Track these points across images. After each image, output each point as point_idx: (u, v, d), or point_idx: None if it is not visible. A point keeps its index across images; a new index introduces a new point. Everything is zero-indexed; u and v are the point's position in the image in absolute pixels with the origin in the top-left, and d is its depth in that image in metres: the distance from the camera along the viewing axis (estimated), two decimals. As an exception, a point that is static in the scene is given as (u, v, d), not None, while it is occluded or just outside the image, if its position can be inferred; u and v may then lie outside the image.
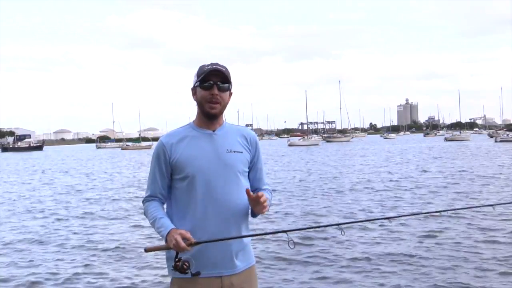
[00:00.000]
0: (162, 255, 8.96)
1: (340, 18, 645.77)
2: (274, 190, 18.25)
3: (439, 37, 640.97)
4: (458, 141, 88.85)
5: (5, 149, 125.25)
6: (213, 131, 3.05)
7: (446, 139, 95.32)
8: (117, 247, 10.34)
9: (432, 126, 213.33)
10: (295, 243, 3.00)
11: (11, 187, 26.35)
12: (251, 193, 2.89)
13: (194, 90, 3.07)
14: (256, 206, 2.92)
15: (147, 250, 2.92)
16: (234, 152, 3.04)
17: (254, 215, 3.06)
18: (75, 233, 12.24)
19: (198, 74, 3.02)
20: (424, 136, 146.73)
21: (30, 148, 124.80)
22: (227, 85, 3.02)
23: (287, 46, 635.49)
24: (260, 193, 2.89)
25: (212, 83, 2.97)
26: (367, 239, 10.18)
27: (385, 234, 10.54)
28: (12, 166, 49.80)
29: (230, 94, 3.09)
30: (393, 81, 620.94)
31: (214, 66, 2.99)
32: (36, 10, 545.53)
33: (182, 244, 2.78)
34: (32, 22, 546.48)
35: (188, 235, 2.82)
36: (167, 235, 2.86)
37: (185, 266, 2.80)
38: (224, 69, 3.00)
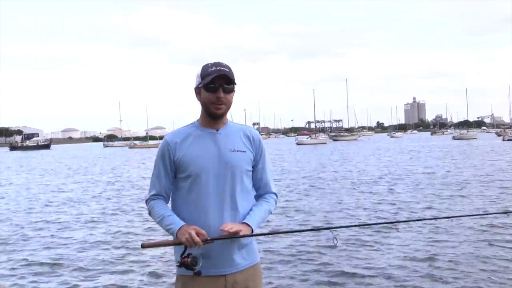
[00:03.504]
0: (163, 253, 9.05)
1: (344, 17, 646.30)
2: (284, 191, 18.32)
3: (445, 35, 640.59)
4: (465, 139, 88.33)
5: (13, 147, 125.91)
6: (217, 130, 3.05)
7: (454, 138, 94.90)
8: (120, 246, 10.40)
9: (439, 125, 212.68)
10: (337, 240, 3.03)
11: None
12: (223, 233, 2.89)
13: (197, 90, 3.05)
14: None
15: (144, 246, 2.89)
16: (238, 151, 3.03)
17: None
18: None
19: (202, 76, 2.99)
20: (432, 134, 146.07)
21: (38, 147, 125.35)
22: (232, 86, 3.00)
23: (291, 45, 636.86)
24: (223, 227, 2.87)
25: (218, 86, 2.95)
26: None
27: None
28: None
29: (233, 92, 3.07)
30: (399, 79, 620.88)
31: (218, 68, 2.96)
32: (40, 9, 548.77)
33: (197, 238, 2.78)
34: (35, 21, 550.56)
35: (203, 231, 2.83)
36: (178, 230, 2.87)
37: (194, 262, 2.79)
38: (228, 70, 2.98)
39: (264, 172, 3.18)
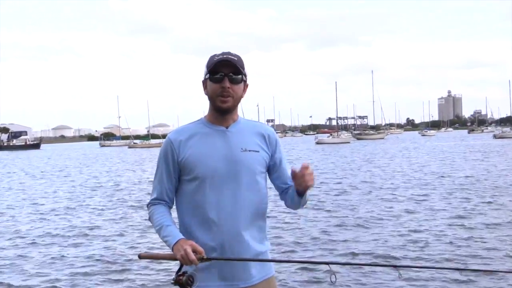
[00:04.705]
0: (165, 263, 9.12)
1: (369, 0, 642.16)
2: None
3: (484, 20, 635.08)
4: (508, 138, 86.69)
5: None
6: (226, 127, 3.06)
7: (495, 136, 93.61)
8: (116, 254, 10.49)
9: (478, 122, 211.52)
10: (335, 277, 2.87)
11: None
12: (296, 171, 2.91)
13: (205, 83, 3.07)
14: (303, 181, 2.91)
15: (141, 256, 2.95)
16: (250, 151, 3.04)
17: (299, 194, 3.02)
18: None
19: (208, 66, 3.02)
20: (469, 132, 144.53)
21: (27, 146, 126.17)
22: (240, 76, 3.01)
23: (310, 32, 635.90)
24: (304, 167, 2.89)
25: (223, 75, 2.97)
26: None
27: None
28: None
29: (246, 86, 3.09)
30: (432, 70, 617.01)
31: (224, 56, 2.98)
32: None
33: (192, 256, 2.80)
34: (23, 6, 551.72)
35: (200, 248, 2.85)
36: (174, 245, 2.89)
37: (189, 281, 2.82)
38: (236, 58, 3.00)
39: (285, 170, 3.19)
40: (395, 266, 3.04)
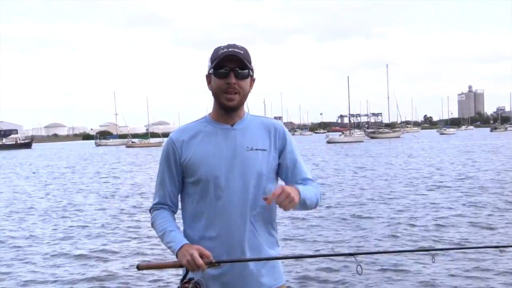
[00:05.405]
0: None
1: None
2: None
3: (506, 11, 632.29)
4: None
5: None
6: (232, 125, 3.06)
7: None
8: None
9: (501, 119, 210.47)
10: (361, 268, 2.90)
11: None
12: (269, 197, 2.82)
13: (209, 77, 3.06)
14: (281, 204, 2.81)
15: (140, 267, 2.94)
16: (256, 150, 3.04)
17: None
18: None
19: (212, 59, 3.01)
20: (492, 131, 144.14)
21: (17, 146, 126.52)
22: (246, 71, 3.00)
23: (320, 23, 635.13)
24: (276, 191, 2.79)
25: (228, 70, 2.96)
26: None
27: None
28: None
29: (253, 80, 3.08)
30: (452, 64, 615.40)
31: (229, 49, 2.97)
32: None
33: (199, 260, 2.79)
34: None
35: (207, 252, 2.84)
36: (178, 250, 2.89)
37: None
38: (242, 51, 2.98)
39: (299, 165, 3.15)
40: (427, 250, 3.13)
